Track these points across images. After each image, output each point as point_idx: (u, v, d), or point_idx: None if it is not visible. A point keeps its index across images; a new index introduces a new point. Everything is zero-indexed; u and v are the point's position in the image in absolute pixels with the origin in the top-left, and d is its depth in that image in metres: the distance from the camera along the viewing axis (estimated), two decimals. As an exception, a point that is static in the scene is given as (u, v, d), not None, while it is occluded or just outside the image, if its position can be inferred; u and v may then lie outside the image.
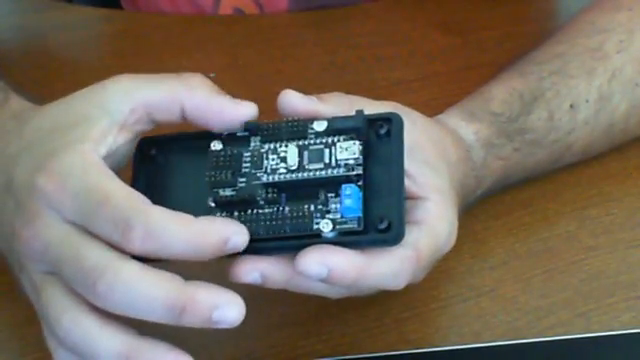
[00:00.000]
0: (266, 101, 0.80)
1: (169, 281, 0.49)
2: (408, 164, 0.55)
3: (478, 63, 0.81)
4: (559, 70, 0.68)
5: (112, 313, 0.50)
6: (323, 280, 0.51)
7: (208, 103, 0.54)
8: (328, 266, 0.51)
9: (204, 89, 0.55)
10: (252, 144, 0.54)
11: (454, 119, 0.65)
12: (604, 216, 0.68)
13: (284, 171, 0.53)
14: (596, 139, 0.69)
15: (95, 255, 0.50)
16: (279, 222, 0.51)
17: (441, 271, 0.63)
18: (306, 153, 0.53)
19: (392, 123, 0.53)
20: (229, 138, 0.54)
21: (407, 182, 0.55)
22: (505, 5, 0.88)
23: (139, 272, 0.49)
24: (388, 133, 0.53)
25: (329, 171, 0.52)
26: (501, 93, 0.67)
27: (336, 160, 0.52)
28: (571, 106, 0.68)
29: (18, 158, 0.54)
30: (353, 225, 0.51)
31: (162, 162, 0.56)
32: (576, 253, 0.65)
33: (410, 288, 0.62)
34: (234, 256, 0.51)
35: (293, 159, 0.53)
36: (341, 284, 0.52)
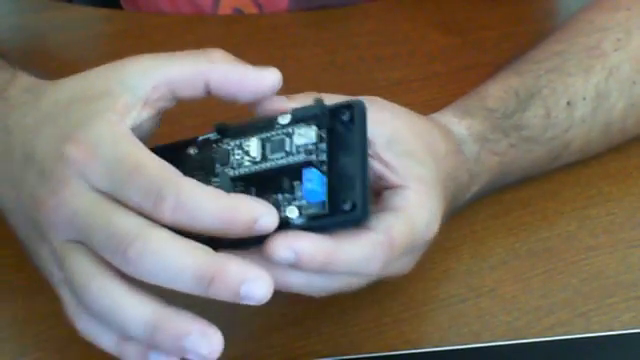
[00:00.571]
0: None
1: (199, 251, 0.50)
2: (387, 155, 0.56)
3: (478, 63, 0.81)
4: (556, 68, 0.69)
5: (140, 282, 0.50)
6: (292, 265, 0.51)
7: (232, 74, 0.55)
8: (295, 250, 0.51)
9: (227, 61, 0.55)
10: (223, 145, 0.55)
11: (446, 116, 0.65)
12: (604, 216, 0.68)
13: (248, 164, 0.53)
14: (594, 137, 0.69)
15: (126, 222, 0.50)
16: None
17: (441, 271, 0.64)
18: (268, 145, 0.54)
19: (354, 109, 0.54)
20: (204, 142, 0.55)
21: (386, 172, 0.56)
22: (505, 5, 0.88)
23: (170, 240, 0.49)
24: (352, 120, 0.54)
25: (290, 158, 0.53)
26: (497, 90, 0.67)
27: (296, 147, 0.53)
28: (568, 103, 0.68)
29: (38, 129, 0.54)
30: (318, 209, 0.52)
31: None
32: (576, 253, 0.65)
33: (410, 288, 0.62)
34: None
35: (256, 151, 0.53)
36: (311, 269, 0.52)
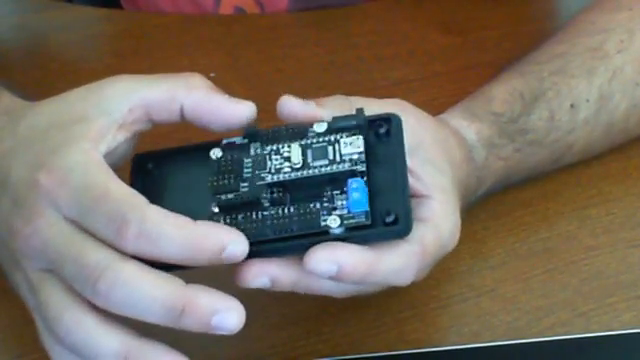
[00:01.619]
0: (266, 101, 0.80)
1: (170, 282, 0.49)
2: (412, 163, 0.55)
3: (478, 63, 0.80)
4: (560, 70, 0.68)
5: (112, 313, 0.50)
6: (333, 277, 0.51)
7: (207, 102, 0.54)
8: (338, 263, 0.51)
9: (203, 88, 0.55)
10: (252, 150, 0.54)
11: (456, 119, 0.65)
12: (604, 216, 0.68)
13: (289, 170, 0.53)
14: (596, 139, 0.69)
15: (96, 254, 0.50)
16: (286, 221, 0.51)
17: (441, 271, 0.63)
18: (309, 151, 0.53)
19: (391, 123, 0.54)
20: (228, 146, 0.55)
21: (411, 180, 0.55)
22: (505, 5, 0.88)
23: (140, 272, 0.49)
24: (387, 133, 0.53)
25: (334, 167, 0.52)
26: (502, 93, 0.67)
27: (340, 155, 0.52)
28: (572, 106, 0.68)
29: (14, 155, 0.54)
30: (361, 219, 0.51)
31: (159, 175, 0.55)
32: (576, 253, 0.65)
33: (410, 288, 0.62)
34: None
35: (297, 157, 0.53)
36: (351, 281, 0.52)
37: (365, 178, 0.52)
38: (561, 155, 0.68)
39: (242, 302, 0.60)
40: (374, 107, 0.55)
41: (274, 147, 0.53)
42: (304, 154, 0.53)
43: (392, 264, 0.52)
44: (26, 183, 0.52)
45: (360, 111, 0.53)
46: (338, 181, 0.52)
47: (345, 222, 0.51)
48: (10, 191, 0.53)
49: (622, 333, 0.60)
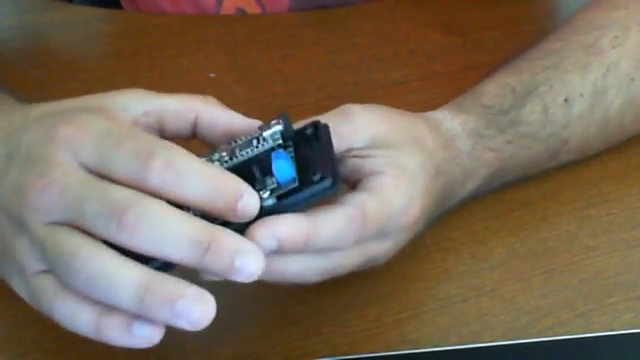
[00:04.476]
0: (266, 101, 0.80)
1: (197, 219, 0.50)
2: (367, 151, 0.57)
3: (478, 63, 0.81)
4: (553, 65, 0.69)
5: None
6: (276, 251, 0.52)
7: (224, 116, 0.56)
8: (276, 236, 0.51)
9: (219, 105, 0.56)
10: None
11: (440, 113, 0.65)
12: (604, 216, 0.68)
13: (218, 164, 0.54)
14: (592, 134, 0.69)
15: (122, 192, 0.49)
16: None
17: (441, 271, 0.64)
18: (237, 149, 0.54)
19: (318, 126, 0.56)
20: None
21: (364, 162, 0.57)
22: (505, 5, 0.88)
23: (167, 207, 0.49)
24: (315, 133, 0.55)
25: (259, 147, 0.54)
26: (493, 88, 0.67)
27: (263, 139, 0.54)
28: (565, 100, 0.68)
29: (26, 127, 0.54)
30: (289, 186, 0.52)
31: None
32: (576, 253, 0.65)
33: (410, 288, 0.62)
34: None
35: (225, 157, 0.54)
36: (293, 250, 0.53)
37: (291, 154, 0.54)
38: (557, 151, 0.68)
39: (242, 302, 0.61)
40: (327, 117, 0.57)
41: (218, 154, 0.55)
42: (232, 152, 0.54)
43: (330, 229, 0.53)
44: (42, 141, 0.52)
45: (284, 116, 0.55)
46: (266, 162, 0.53)
47: (274, 193, 0.52)
48: (20, 156, 0.53)
49: (622, 333, 0.60)
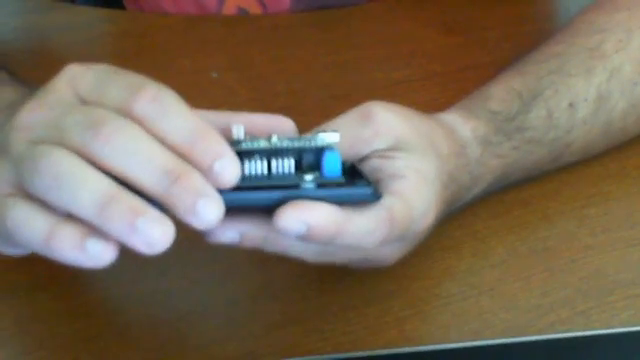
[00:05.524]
0: (268, 101, 0.80)
1: (172, 153, 0.49)
2: (389, 153, 0.57)
3: (478, 63, 0.81)
4: (558, 69, 0.69)
5: None
6: (302, 237, 0.51)
7: (258, 118, 0.55)
8: (307, 222, 0.50)
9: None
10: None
11: (452, 116, 0.65)
12: (603, 215, 0.68)
13: (266, 142, 0.53)
14: (595, 138, 0.70)
15: (105, 109, 0.49)
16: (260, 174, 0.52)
17: (442, 269, 0.64)
18: (288, 139, 0.54)
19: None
20: None
21: (385, 163, 0.57)
22: (506, 5, 0.89)
23: (147, 133, 0.49)
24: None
25: (311, 142, 0.53)
26: (500, 92, 0.67)
27: (315, 136, 0.53)
28: (570, 105, 0.68)
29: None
30: (333, 179, 0.52)
31: None
32: (576, 252, 0.65)
33: (411, 287, 0.62)
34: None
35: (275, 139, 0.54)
36: (320, 240, 0.52)
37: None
38: (560, 154, 0.69)
39: (243, 301, 0.61)
40: (346, 119, 0.57)
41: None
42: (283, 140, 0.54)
43: (361, 225, 0.53)
44: (54, 77, 0.52)
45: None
46: (315, 157, 0.53)
47: (316, 181, 0.52)
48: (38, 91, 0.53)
49: (621, 331, 0.60)
